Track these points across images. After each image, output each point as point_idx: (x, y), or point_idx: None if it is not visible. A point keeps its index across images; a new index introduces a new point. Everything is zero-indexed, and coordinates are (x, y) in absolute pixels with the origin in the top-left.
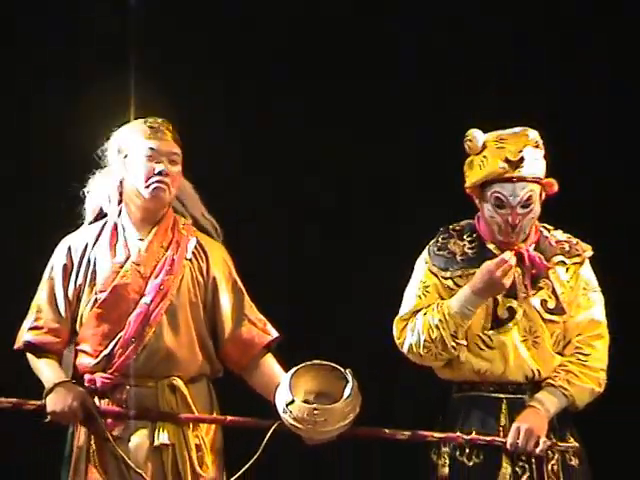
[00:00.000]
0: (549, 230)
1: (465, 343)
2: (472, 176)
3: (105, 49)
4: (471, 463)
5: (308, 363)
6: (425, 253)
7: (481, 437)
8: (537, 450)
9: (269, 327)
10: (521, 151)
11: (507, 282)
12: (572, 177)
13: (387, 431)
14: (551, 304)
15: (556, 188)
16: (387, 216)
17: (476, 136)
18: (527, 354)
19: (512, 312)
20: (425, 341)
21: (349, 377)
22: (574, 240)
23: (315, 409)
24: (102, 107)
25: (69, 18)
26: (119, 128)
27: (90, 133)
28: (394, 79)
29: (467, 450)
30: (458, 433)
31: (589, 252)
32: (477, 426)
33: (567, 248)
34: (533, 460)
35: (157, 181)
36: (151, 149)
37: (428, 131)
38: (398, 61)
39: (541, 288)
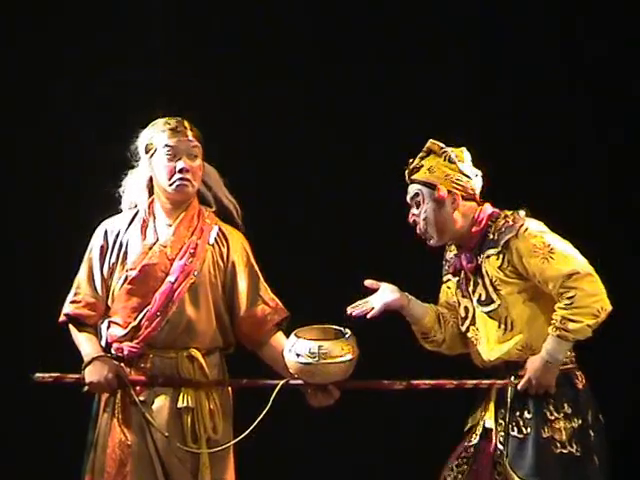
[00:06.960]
0: (498, 217)
1: (433, 337)
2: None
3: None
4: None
5: (310, 327)
6: None
7: (485, 381)
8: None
9: (281, 307)
10: None
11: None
12: None
13: (385, 382)
14: (483, 296)
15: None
16: None
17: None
18: (473, 350)
19: (467, 311)
20: None
21: (347, 331)
22: (504, 224)
23: (318, 345)
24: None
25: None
26: (146, 128)
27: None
28: None
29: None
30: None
31: (520, 222)
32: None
33: (496, 237)
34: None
35: (179, 178)
36: (170, 148)
37: None
38: None
39: (478, 284)
